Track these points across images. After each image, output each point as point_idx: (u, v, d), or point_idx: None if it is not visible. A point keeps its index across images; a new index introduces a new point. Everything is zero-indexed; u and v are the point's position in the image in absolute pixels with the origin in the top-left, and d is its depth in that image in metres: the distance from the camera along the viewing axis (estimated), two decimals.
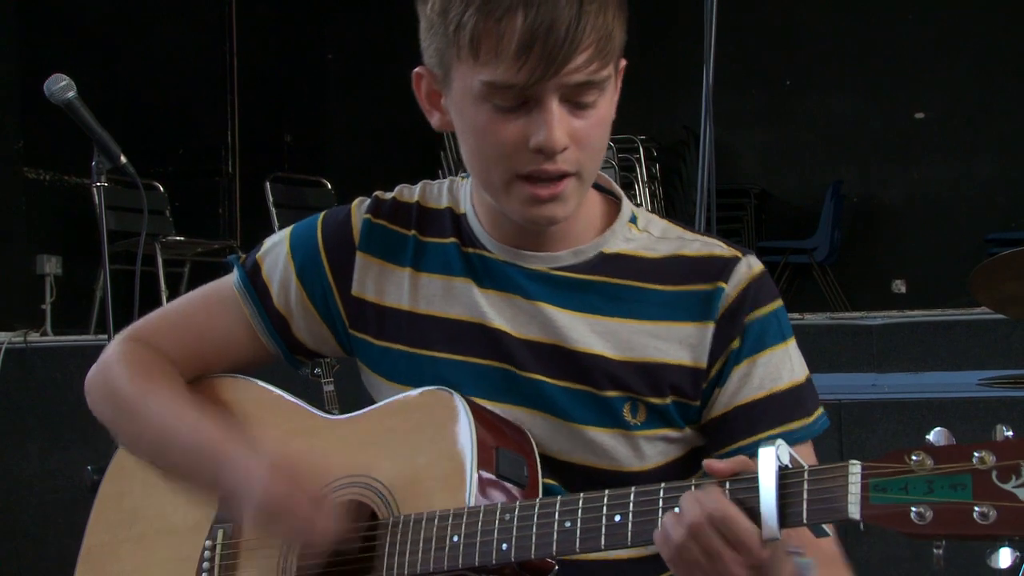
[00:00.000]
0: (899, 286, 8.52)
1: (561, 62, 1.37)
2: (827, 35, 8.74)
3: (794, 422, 1.51)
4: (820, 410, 1.55)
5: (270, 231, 1.72)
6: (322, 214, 1.66)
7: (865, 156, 8.73)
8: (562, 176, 1.43)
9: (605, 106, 1.45)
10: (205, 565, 1.58)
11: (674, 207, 8.56)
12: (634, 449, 1.51)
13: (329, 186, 7.67)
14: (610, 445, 1.51)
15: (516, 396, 1.52)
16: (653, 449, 1.52)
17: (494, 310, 1.54)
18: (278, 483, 1.46)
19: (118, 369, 1.67)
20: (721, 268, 1.52)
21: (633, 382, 1.51)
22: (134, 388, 1.64)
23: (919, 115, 8.62)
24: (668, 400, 1.51)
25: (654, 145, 8.40)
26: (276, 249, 1.65)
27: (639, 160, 7.99)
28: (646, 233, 1.57)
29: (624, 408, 1.50)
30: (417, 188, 1.64)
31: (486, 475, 1.42)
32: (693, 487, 1.29)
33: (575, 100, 1.42)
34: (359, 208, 1.63)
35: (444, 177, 1.67)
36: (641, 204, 7.83)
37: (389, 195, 1.64)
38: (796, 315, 4.83)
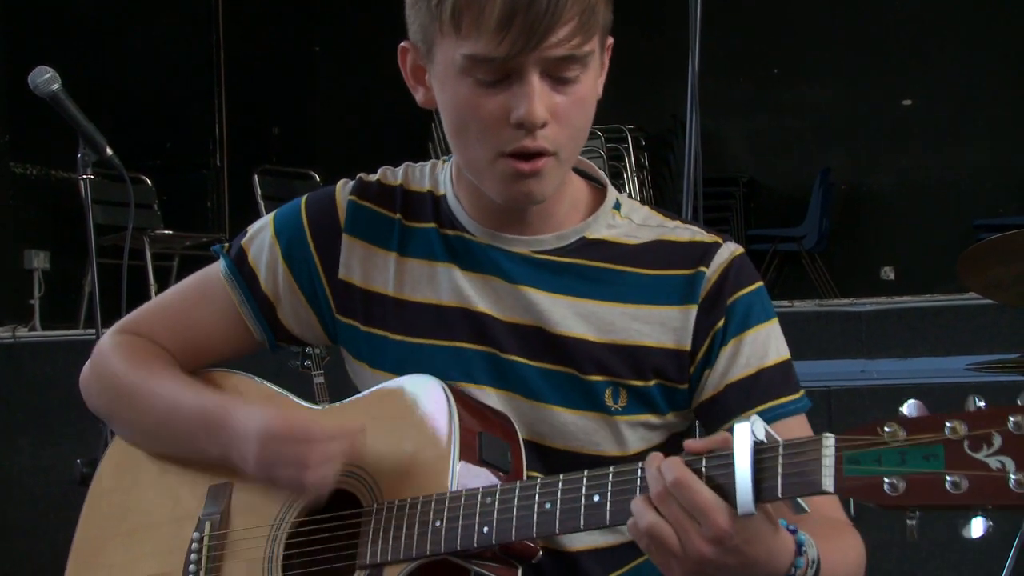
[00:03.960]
0: (888, 273, 8.54)
1: (542, 35, 1.37)
2: (814, 22, 8.75)
3: (784, 397, 1.52)
4: (803, 391, 1.56)
5: None
6: (304, 197, 1.65)
7: (853, 143, 8.74)
8: (541, 153, 1.43)
9: (588, 83, 1.44)
10: (193, 556, 1.58)
11: (663, 196, 8.57)
12: (615, 434, 1.52)
13: (317, 178, 7.67)
14: (591, 429, 1.51)
15: (500, 380, 1.52)
16: (634, 435, 1.53)
17: (477, 293, 1.54)
18: (276, 423, 1.47)
19: (114, 359, 1.67)
20: (702, 253, 1.53)
21: (615, 365, 1.51)
22: (133, 372, 1.65)
23: (907, 102, 8.64)
24: (652, 383, 1.52)
25: (642, 134, 8.40)
26: (261, 234, 1.65)
27: (627, 149, 8.00)
28: (628, 220, 1.58)
29: (606, 393, 1.51)
30: (400, 170, 1.64)
31: (469, 461, 1.42)
32: None
33: (557, 75, 1.41)
34: (343, 190, 1.62)
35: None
36: (630, 194, 7.84)
37: (373, 177, 1.63)
38: (785, 302, 4.85)
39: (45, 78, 2.95)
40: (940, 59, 8.48)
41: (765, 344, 1.53)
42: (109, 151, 2.98)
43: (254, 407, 1.54)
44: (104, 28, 7.80)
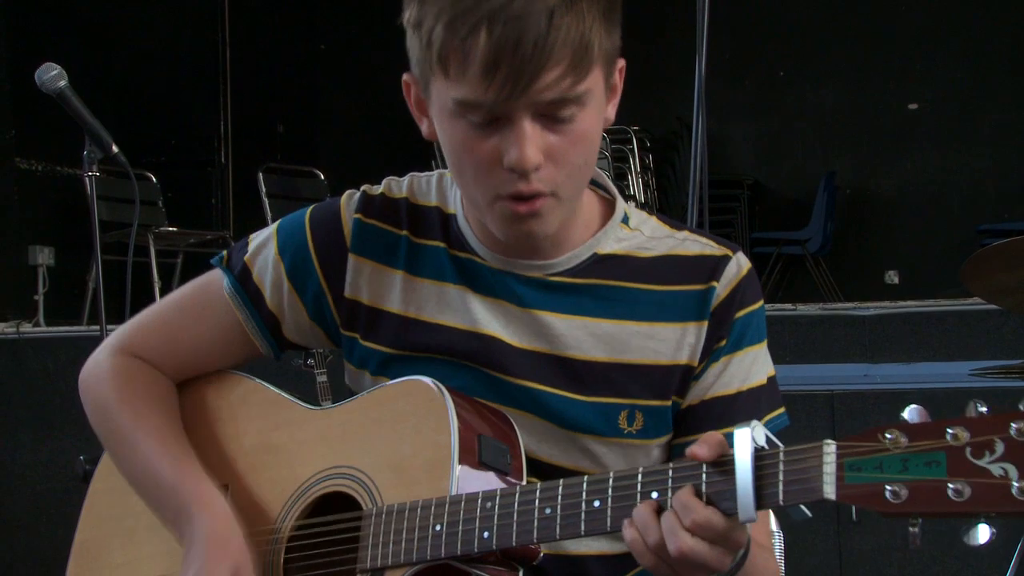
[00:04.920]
0: (892, 277, 8.53)
1: (529, 80, 1.32)
2: (820, 26, 8.74)
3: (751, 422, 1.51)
4: (777, 411, 1.55)
5: (263, 222, 1.71)
6: (308, 211, 1.62)
7: (858, 147, 8.74)
8: (536, 196, 1.40)
9: (587, 120, 1.39)
10: None
11: (667, 198, 8.57)
12: (626, 457, 1.51)
13: (322, 176, 7.67)
14: (602, 452, 1.50)
15: (507, 401, 1.51)
16: (644, 457, 1.52)
17: (489, 317, 1.52)
18: (216, 560, 1.48)
19: (109, 387, 1.65)
20: (713, 267, 1.52)
21: (631, 386, 1.50)
22: (123, 411, 1.63)
23: (912, 106, 8.63)
24: (670, 402, 1.51)
25: (647, 136, 8.40)
26: (265, 250, 1.62)
27: (632, 151, 8.00)
28: (638, 232, 1.56)
29: (620, 416, 1.50)
30: (405, 182, 1.61)
31: (469, 463, 1.42)
32: (671, 471, 1.28)
33: (551, 115, 1.37)
34: (348, 206, 1.59)
35: (436, 168, 1.65)
36: (634, 195, 7.84)
37: (378, 190, 1.60)
38: (789, 306, 4.84)
39: (51, 75, 2.95)
40: (946, 63, 8.47)
41: (750, 367, 1.53)
42: (115, 148, 2.98)
43: (217, 521, 1.52)
44: (110, 25, 7.80)
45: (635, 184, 7.98)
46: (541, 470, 1.49)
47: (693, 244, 1.55)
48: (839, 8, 8.71)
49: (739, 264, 1.53)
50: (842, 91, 8.71)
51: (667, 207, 8.40)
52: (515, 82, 1.32)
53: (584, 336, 1.51)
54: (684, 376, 1.51)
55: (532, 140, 1.36)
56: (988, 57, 8.38)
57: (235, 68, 8.67)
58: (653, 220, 1.59)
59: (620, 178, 7.93)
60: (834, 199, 8.27)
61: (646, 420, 1.50)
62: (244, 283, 1.62)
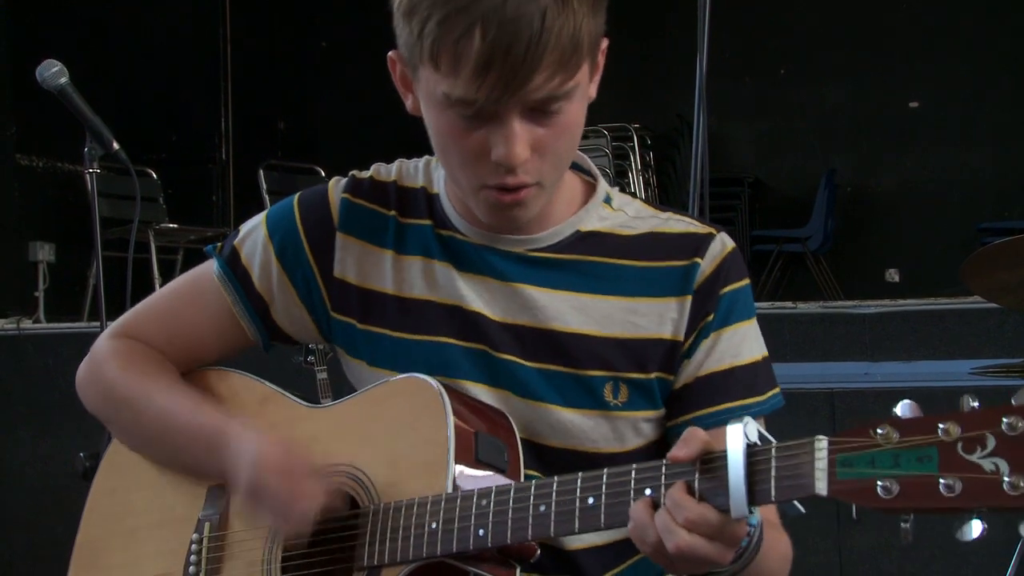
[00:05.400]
0: (892, 275, 8.54)
1: (520, 82, 1.34)
2: (821, 24, 8.74)
3: (748, 399, 1.52)
4: (774, 390, 1.56)
5: None
6: (296, 195, 1.64)
7: (859, 145, 8.74)
8: (522, 187, 1.42)
9: (574, 112, 1.42)
10: (192, 558, 1.58)
11: (668, 196, 8.57)
12: (614, 431, 1.51)
13: (322, 173, 7.66)
14: (589, 427, 1.51)
15: (495, 379, 1.52)
16: (632, 431, 1.52)
17: (472, 293, 1.54)
18: (268, 462, 1.47)
19: (111, 365, 1.67)
20: (697, 244, 1.54)
21: (615, 359, 1.51)
22: (130, 379, 1.64)
23: (913, 104, 8.63)
24: (652, 376, 1.52)
25: (648, 133, 8.40)
26: (254, 234, 1.64)
27: (632, 148, 8.00)
28: (621, 212, 1.58)
29: (605, 388, 1.51)
30: (394, 167, 1.63)
31: (466, 461, 1.42)
32: (664, 467, 1.28)
33: (539, 110, 1.38)
34: (336, 187, 1.61)
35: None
36: (634, 192, 7.84)
37: (366, 174, 1.62)
38: (789, 304, 4.84)
39: (52, 72, 2.95)
40: (947, 61, 8.47)
41: (741, 343, 1.54)
42: (116, 145, 2.98)
43: (250, 430, 1.53)
44: (111, 21, 7.80)
45: (635, 182, 7.99)
46: (533, 451, 1.50)
47: (677, 223, 1.56)
48: (840, 6, 8.71)
49: (723, 242, 1.55)
50: (843, 89, 8.71)
51: (668, 204, 8.39)
52: (506, 84, 1.34)
53: (566, 309, 1.52)
54: (669, 352, 1.52)
55: (520, 138, 1.38)
56: (989, 55, 8.38)
57: (236, 65, 8.68)
58: (637, 202, 1.60)
59: (621, 176, 7.94)
60: (835, 197, 8.27)
61: (631, 392, 1.51)
62: (233, 266, 1.63)
